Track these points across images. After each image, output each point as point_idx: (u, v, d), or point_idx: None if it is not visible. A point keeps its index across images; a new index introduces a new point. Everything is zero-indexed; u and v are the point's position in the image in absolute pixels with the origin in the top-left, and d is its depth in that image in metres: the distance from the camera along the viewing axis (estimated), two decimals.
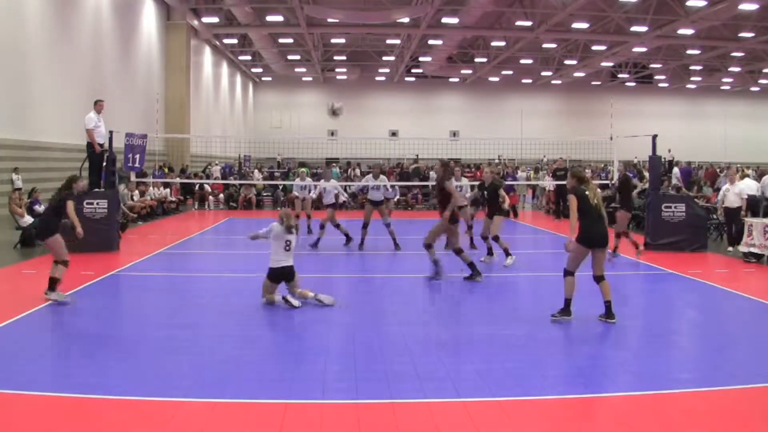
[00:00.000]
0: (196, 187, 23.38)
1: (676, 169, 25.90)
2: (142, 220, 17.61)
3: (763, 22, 26.88)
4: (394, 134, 39.30)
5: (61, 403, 4.72)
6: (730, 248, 12.68)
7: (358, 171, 27.80)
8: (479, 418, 4.53)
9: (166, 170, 23.91)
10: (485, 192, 11.62)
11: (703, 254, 12.54)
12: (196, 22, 27.97)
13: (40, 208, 13.70)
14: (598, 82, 43.69)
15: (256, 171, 28.38)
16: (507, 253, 10.93)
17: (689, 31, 27.50)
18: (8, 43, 15.62)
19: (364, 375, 5.35)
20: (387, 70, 42.15)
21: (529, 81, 42.78)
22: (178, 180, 22.44)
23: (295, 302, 7.74)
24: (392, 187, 13.92)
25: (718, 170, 26.96)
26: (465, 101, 45.08)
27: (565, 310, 7.15)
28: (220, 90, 37.04)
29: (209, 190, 23.54)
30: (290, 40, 33.35)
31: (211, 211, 22.44)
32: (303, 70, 40.99)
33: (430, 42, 33.28)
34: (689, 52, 33.86)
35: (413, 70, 42.16)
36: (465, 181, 14.19)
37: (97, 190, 12.54)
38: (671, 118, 43.84)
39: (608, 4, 25.82)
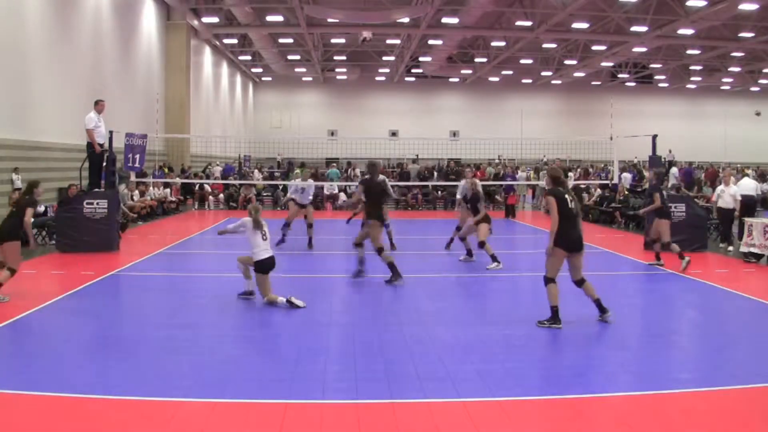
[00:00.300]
0: (196, 187, 23.38)
1: (674, 169, 25.91)
2: (142, 220, 17.61)
3: (763, 22, 26.87)
4: (394, 134, 39.28)
5: (61, 403, 4.72)
6: (722, 244, 12.75)
7: (357, 171, 27.80)
8: (479, 418, 4.53)
9: (166, 170, 23.92)
10: (467, 202, 11.64)
11: (703, 254, 12.54)
12: (196, 22, 27.96)
13: (40, 208, 13.71)
14: (598, 82, 43.68)
15: (256, 171, 28.38)
16: (494, 260, 10.89)
17: (689, 31, 27.49)
18: (8, 43, 15.60)
19: (364, 375, 5.35)
20: (387, 70, 42.14)
21: (529, 81, 42.77)
22: (178, 180, 22.44)
23: (300, 303, 7.75)
24: (392, 187, 13.89)
25: (719, 170, 26.94)
26: (465, 101, 45.07)
27: (554, 318, 6.92)
28: (220, 90, 37.03)
29: (209, 190, 23.54)
30: (290, 40, 33.34)
31: (211, 211, 22.44)
32: (303, 70, 40.98)
33: (430, 42, 33.27)
34: (689, 52, 33.85)
35: (413, 70, 42.15)
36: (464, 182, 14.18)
37: (97, 190, 12.54)
38: (671, 118, 43.83)
39: (608, 4, 25.81)
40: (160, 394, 4.91)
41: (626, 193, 19.45)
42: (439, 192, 24.64)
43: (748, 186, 14.46)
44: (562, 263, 7.03)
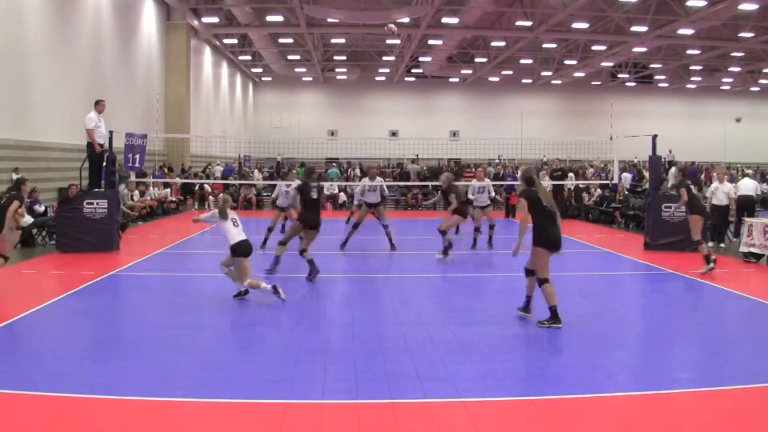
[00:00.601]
0: (196, 187, 23.37)
1: (674, 169, 25.89)
2: (142, 220, 17.61)
3: (763, 22, 26.87)
4: (394, 134, 39.28)
5: (61, 403, 4.72)
6: (711, 243, 12.71)
7: (357, 171, 27.81)
8: (479, 418, 4.53)
9: (166, 170, 23.92)
10: (444, 194, 11.95)
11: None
12: (196, 22, 27.96)
13: (40, 208, 13.72)
14: (598, 82, 43.66)
15: (256, 171, 28.39)
16: (444, 251, 11.21)
17: (689, 31, 27.48)
18: (8, 43, 15.60)
19: (364, 375, 5.35)
20: (387, 70, 42.14)
21: (529, 81, 42.75)
22: (178, 180, 22.44)
23: (283, 295, 7.88)
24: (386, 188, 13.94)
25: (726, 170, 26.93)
26: (465, 101, 45.05)
27: (554, 318, 6.93)
28: (220, 90, 37.03)
29: (209, 190, 23.54)
30: (290, 40, 33.34)
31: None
32: (303, 70, 40.97)
33: (430, 42, 33.26)
34: (689, 52, 33.84)
35: (413, 70, 42.15)
36: (487, 182, 14.31)
37: (97, 190, 12.54)
38: (671, 118, 43.80)
39: (608, 4, 25.80)
40: (160, 394, 4.91)
41: (626, 193, 19.45)
42: (439, 192, 24.62)
43: (748, 186, 14.44)
44: (549, 261, 7.11)
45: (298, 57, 37.79)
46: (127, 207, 16.48)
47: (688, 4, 23.66)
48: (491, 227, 13.61)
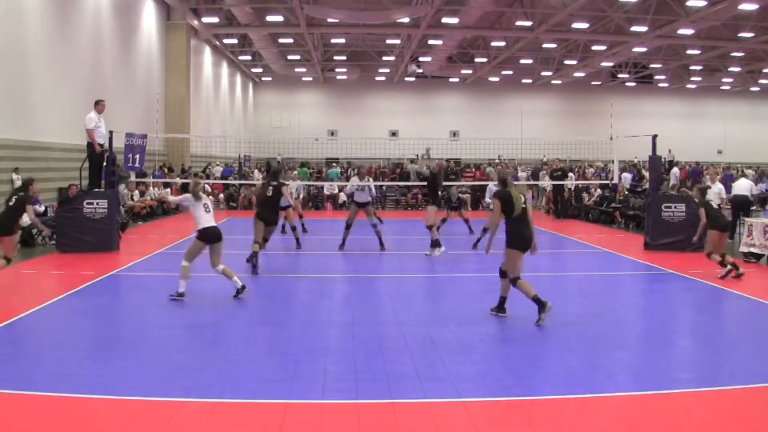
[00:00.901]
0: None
1: (675, 169, 25.90)
2: (142, 220, 17.60)
3: (763, 22, 26.87)
4: (394, 134, 39.28)
5: (61, 403, 4.72)
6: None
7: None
8: (479, 418, 4.53)
9: (166, 170, 23.91)
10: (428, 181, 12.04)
11: (703, 254, 12.51)
12: (196, 22, 27.96)
13: (40, 208, 13.71)
14: (598, 82, 43.67)
15: (256, 171, 28.38)
16: (434, 245, 11.47)
17: (689, 31, 27.48)
18: (8, 43, 15.60)
19: (364, 375, 5.35)
20: (387, 70, 42.14)
21: (529, 81, 42.75)
22: (178, 180, 22.43)
23: (241, 296, 8.10)
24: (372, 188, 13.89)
25: (720, 170, 26.95)
26: (465, 101, 45.05)
27: (541, 305, 7.03)
28: (220, 90, 37.03)
29: (209, 190, 23.53)
30: (290, 40, 33.34)
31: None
32: (303, 70, 40.97)
33: (430, 42, 33.26)
34: (689, 52, 33.85)
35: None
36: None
37: (97, 190, 12.54)
38: (671, 118, 43.80)
39: (608, 4, 25.80)
40: (160, 394, 4.91)
41: (626, 193, 19.45)
42: (439, 192, 24.61)
43: (742, 186, 14.44)
44: (522, 261, 7.25)
45: (298, 57, 37.80)
46: (127, 207, 16.48)
47: (688, 4, 23.66)
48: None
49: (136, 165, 14.80)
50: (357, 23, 28.34)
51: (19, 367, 5.50)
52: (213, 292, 8.96)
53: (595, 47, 33.21)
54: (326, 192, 24.16)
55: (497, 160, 32.10)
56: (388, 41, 34.61)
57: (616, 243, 14.27)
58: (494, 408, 4.73)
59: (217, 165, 28.22)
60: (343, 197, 24.13)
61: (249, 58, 38.00)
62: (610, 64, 38.65)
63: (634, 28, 27.53)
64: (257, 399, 4.85)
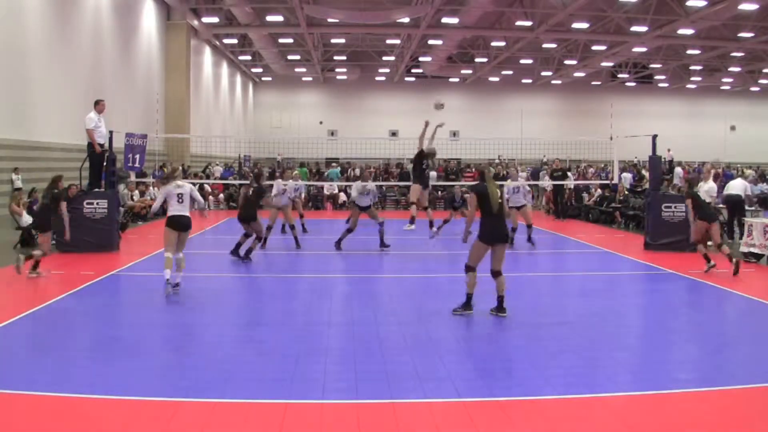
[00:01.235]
0: (196, 187, 23.35)
1: (678, 169, 25.86)
2: (142, 220, 17.60)
3: (763, 22, 26.88)
4: (394, 134, 39.29)
5: (61, 403, 4.72)
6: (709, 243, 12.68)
7: (357, 171, 27.80)
8: (479, 418, 4.53)
9: (166, 170, 23.91)
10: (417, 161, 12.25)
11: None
12: (196, 22, 27.98)
13: None
14: (598, 82, 43.68)
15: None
16: (411, 221, 11.94)
17: (689, 31, 27.50)
18: (8, 43, 15.61)
19: (364, 375, 5.35)
20: (387, 70, 42.15)
21: (529, 81, 42.77)
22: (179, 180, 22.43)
23: (167, 291, 8.27)
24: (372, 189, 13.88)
25: (719, 170, 26.95)
26: (465, 101, 45.07)
27: (467, 305, 7.35)
28: (220, 90, 37.04)
29: (209, 190, 23.54)
30: (290, 40, 33.35)
31: (211, 211, 22.44)
32: (303, 70, 40.99)
33: (430, 42, 33.28)
34: (689, 52, 33.87)
35: (413, 70, 42.16)
36: (521, 181, 14.35)
37: (97, 190, 12.53)
38: (671, 118, 43.83)
39: (608, 4, 25.82)
40: (160, 394, 4.91)
41: (626, 193, 19.45)
42: (439, 192, 24.65)
43: (736, 186, 14.41)
44: (484, 254, 7.39)
45: (298, 57, 37.81)
46: (127, 207, 16.47)
47: (688, 4, 23.68)
48: (529, 227, 13.39)
49: (136, 165, 14.81)
50: (357, 23, 28.35)
51: (19, 367, 5.50)
52: (213, 292, 8.96)
53: (595, 47, 33.22)
54: (326, 192, 24.17)
55: (497, 160, 32.10)
56: (388, 41, 34.63)
57: (616, 243, 14.27)
58: (494, 408, 4.73)
59: (217, 165, 28.22)
60: (343, 197, 24.14)
61: (249, 58, 38.01)
62: (610, 64, 38.67)
63: (634, 28, 27.55)
64: (257, 399, 4.85)
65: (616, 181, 19.05)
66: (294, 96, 44.87)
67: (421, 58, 38.13)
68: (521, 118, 43.36)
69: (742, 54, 33.97)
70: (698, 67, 39.16)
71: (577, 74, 40.61)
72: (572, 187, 21.32)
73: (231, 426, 4.38)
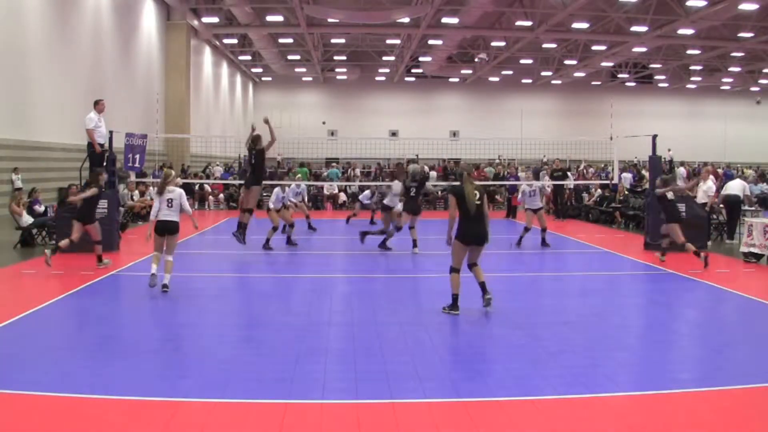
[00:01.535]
0: (196, 187, 23.37)
1: (681, 169, 25.87)
2: (142, 220, 17.60)
3: (763, 22, 26.89)
4: (394, 134, 39.32)
5: (61, 403, 4.71)
6: (709, 243, 12.75)
7: (357, 171, 27.81)
8: (479, 418, 4.53)
9: (166, 170, 23.91)
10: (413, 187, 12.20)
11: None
12: (196, 22, 27.98)
13: (40, 208, 13.71)
14: (598, 82, 43.69)
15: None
16: (414, 244, 12.14)
17: (689, 31, 27.51)
18: (8, 43, 15.62)
19: (364, 375, 5.35)
20: (387, 70, 42.15)
21: (529, 81, 42.78)
22: (178, 180, 22.43)
23: (150, 283, 8.25)
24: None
25: (719, 170, 26.96)
26: (465, 101, 45.08)
27: (454, 306, 7.43)
28: (220, 90, 37.04)
29: (209, 190, 23.54)
30: (290, 40, 33.36)
31: (211, 211, 22.44)
32: (303, 70, 41.00)
33: (430, 42, 33.29)
34: (689, 52, 33.87)
35: (413, 70, 42.16)
36: (537, 183, 14.46)
37: None
38: (671, 118, 43.84)
39: (608, 4, 25.83)
40: (160, 394, 4.91)
41: (626, 193, 19.45)
42: (439, 192, 24.66)
43: (735, 186, 14.42)
44: (464, 255, 7.49)
45: (298, 57, 37.82)
46: (127, 207, 16.47)
47: (688, 4, 23.68)
48: (543, 230, 13.26)
49: (136, 165, 14.79)
50: (357, 23, 28.37)
51: (19, 367, 5.49)
52: (213, 292, 8.96)
53: (595, 47, 33.22)
54: (326, 192, 24.17)
55: (497, 160, 32.11)
56: (388, 41, 34.64)
57: (616, 243, 14.27)
58: (494, 408, 4.73)
59: (217, 165, 28.22)
60: (343, 197, 24.13)
61: (249, 58, 38.02)
62: (610, 64, 38.68)
63: (634, 28, 27.55)
64: (257, 399, 4.84)
65: (616, 181, 19.05)
66: (294, 96, 44.88)
67: (421, 58, 38.14)
68: (521, 118, 43.37)
69: (742, 54, 33.97)
70: (698, 67, 39.18)
71: (577, 74, 40.62)
72: (572, 187, 21.32)
73: (231, 426, 4.38)
